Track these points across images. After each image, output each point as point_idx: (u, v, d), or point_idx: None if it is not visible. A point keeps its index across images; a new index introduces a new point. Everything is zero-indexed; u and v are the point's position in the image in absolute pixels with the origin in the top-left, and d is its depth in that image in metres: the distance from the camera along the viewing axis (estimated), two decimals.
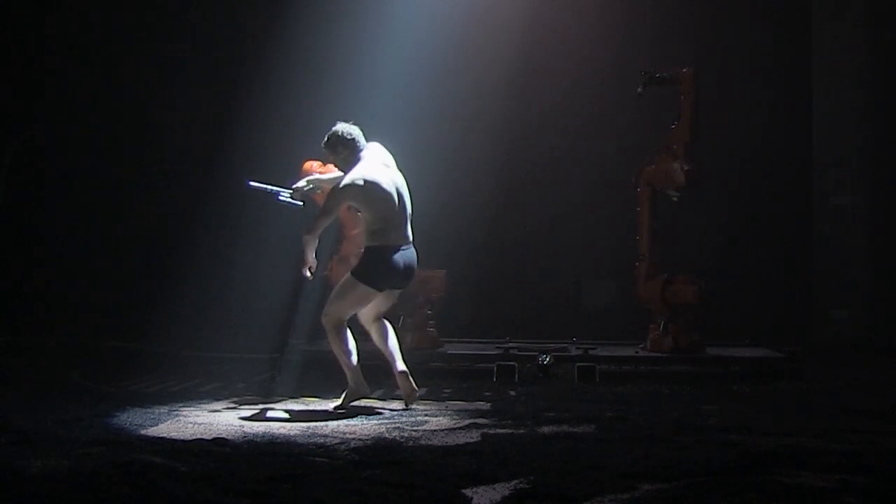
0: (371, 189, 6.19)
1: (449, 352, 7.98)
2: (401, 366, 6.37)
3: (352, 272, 6.34)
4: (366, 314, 6.45)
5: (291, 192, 6.55)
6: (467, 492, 4.14)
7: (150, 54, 9.87)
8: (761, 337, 8.56)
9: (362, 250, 6.44)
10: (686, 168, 7.92)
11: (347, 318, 6.33)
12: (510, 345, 8.01)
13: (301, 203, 6.56)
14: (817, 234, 10.05)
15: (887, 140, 9.97)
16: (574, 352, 7.90)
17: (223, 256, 9.44)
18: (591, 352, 7.82)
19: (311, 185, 6.59)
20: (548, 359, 7.65)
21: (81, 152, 9.81)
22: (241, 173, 9.42)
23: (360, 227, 7.33)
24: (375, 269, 6.24)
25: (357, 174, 6.21)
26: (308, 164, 7.01)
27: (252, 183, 6.61)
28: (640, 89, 8.21)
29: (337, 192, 6.22)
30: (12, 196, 9.67)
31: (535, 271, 9.81)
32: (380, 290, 6.28)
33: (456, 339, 8.46)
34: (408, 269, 6.32)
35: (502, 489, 4.18)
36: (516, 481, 4.28)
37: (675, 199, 8.12)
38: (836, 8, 10.09)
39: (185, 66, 9.84)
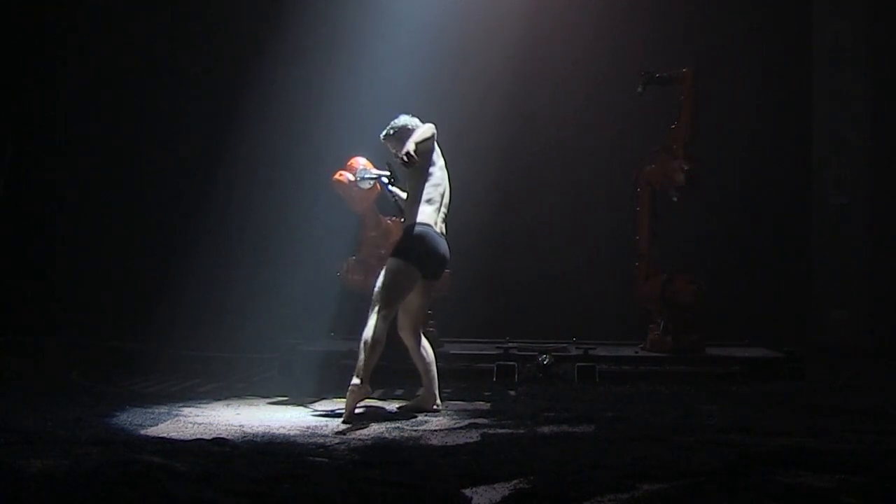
0: (437, 158, 6.27)
1: (449, 352, 7.97)
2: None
3: (393, 253, 6.20)
4: (403, 318, 6.26)
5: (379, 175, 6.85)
6: (467, 492, 4.14)
7: (153, 53, 9.87)
8: (761, 337, 8.56)
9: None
10: (686, 168, 7.92)
11: (398, 305, 6.13)
12: (510, 345, 8.00)
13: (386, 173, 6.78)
14: (817, 234, 10.05)
15: (887, 140, 9.97)
16: (574, 352, 7.90)
17: (224, 256, 9.44)
18: (591, 352, 7.82)
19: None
20: (548, 359, 7.65)
21: (82, 153, 9.81)
22: (242, 173, 9.51)
23: (374, 227, 7.37)
24: (416, 244, 6.11)
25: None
26: (354, 161, 7.09)
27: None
28: (640, 89, 8.22)
29: (427, 127, 6.24)
30: (13, 196, 9.66)
31: (535, 271, 9.81)
32: (420, 270, 6.10)
33: (456, 339, 8.46)
34: (443, 255, 6.22)
35: (502, 489, 4.17)
36: (516, 481, 4.28)
37: (675, 198, 8.13)
38: (837, 7, 10.09)
39: (187, 67, 9.83)
